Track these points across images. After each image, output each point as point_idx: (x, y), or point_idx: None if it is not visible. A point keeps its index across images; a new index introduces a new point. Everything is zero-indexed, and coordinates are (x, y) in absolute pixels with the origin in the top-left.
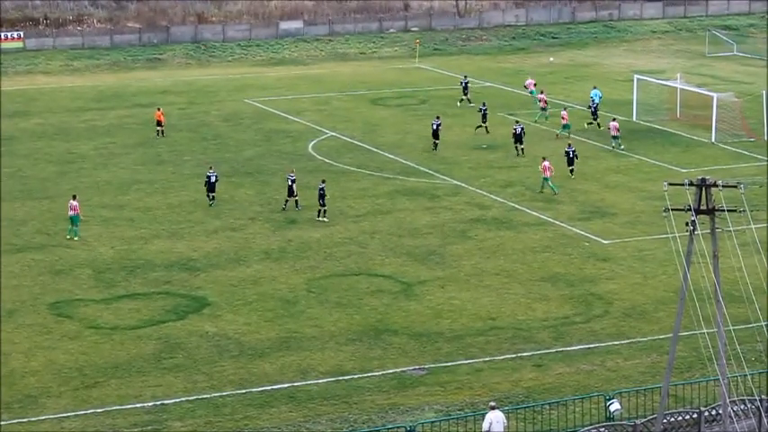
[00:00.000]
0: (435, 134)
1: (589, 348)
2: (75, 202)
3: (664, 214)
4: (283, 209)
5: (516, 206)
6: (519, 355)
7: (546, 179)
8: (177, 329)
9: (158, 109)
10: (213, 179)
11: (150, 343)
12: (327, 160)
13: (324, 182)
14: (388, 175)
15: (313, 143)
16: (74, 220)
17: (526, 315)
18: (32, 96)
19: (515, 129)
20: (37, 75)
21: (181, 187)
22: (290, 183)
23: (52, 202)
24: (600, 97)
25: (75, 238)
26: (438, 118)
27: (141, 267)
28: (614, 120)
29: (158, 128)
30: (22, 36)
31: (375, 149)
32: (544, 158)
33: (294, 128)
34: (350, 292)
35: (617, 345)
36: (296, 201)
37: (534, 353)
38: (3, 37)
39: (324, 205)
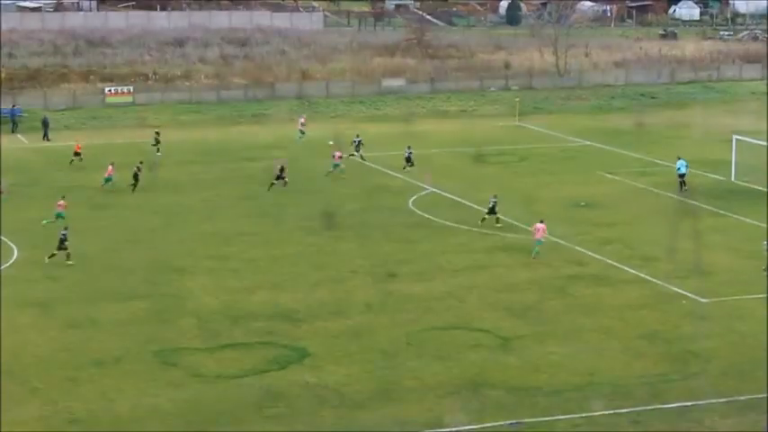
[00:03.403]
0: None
1: (686, 406)
2: (62, 202)
3: (764, 273)
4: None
5: (614, 263)
6: (617, 411)
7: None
8: (279, 379)
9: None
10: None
11: (252, 392)
12: (427, 215)
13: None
14: (487, 231)
15: (413, 198)
16: (59, 215)
17: (624, 371)
18: (141, 149)
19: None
20: (146, 128)
21: (284, 240)
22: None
23: (159, 253)
24: (686, 167)
25: (44, 222)
26: (409, 147)
27: (244, 317)
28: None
29: (75, 157)
30: (131, 90)
31: (475, 206)
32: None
33: (395, 183)
34: (448, 345)
35: (714, 403)
36: (285, 182)
37: (632, 409)
38: (113, 91)
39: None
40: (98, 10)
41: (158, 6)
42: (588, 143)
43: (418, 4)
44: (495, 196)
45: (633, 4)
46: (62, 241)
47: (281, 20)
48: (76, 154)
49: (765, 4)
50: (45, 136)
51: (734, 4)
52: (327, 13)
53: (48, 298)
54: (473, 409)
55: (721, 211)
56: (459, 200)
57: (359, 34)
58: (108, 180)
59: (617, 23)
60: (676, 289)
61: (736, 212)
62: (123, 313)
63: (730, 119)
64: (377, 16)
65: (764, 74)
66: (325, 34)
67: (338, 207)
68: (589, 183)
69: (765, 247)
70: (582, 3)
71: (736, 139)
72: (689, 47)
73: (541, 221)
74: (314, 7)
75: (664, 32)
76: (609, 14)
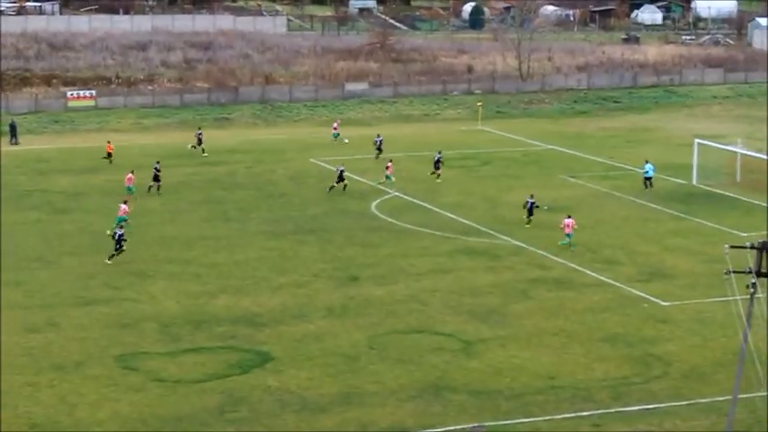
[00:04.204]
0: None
1: (648, 409)
2: (125, 206)
3: (725, 277)
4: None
5: (576, 267)
6: (578, 414)
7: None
8: (241, 383)
9: (108, 143)
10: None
11: (214, 396)
12: (390, 219)
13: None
14: (450, 235)
15: (376, 203)
16: (121, 220)
17: (585, 375)
18: (103, 153)
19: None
20: (108, 132)
21: (246, 244)
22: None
23: (120, 257)
24: (654, 170)
25: (108, 232)
26: (440, 152)
27: (206, 322)
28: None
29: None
30: (94, 95)
31: (437, 209)
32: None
33: (358, 187)
34: (411, 349)
35: (676, 406)
36: (344, 185)
37: (593, 412)
38: (76, 95)
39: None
40: (61, 14)
41: (121, 10)
42: (551, 147)
43: (381, 8)
44: (531, 196)
45: (596, 9)
46: (119, 241)
47: (244, 24)
48: (108, 155)
49: (726, 9)
50: (12, 139)
51: (696, 8)
52: (291, 17)
53: (8, 302)
54: (435, 413)
55: (683, 215)
56: (422, 204)
57: (322, 38)
58: (130, 189)
59: (580, 28)
60: (638, 292)
61: (697, 216)
62: (84, 318)
63: (692, 123)
64: (340, 20)
65: (725, 78)
66: (289, 38)
67: (301, 211)
68: (552, 186)
69: (726, 250)
70: (545, 7)
71: (698, 143)
72: (651, 51)
73: (569, 216)
74: (277, 11)
75: (626, 37)
76: (572, 19)
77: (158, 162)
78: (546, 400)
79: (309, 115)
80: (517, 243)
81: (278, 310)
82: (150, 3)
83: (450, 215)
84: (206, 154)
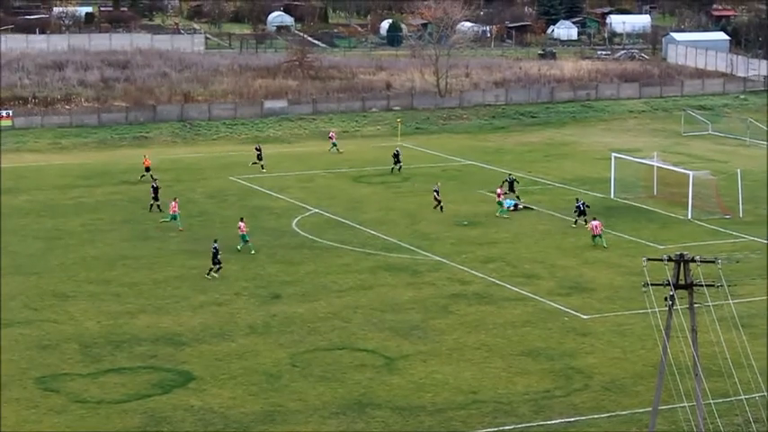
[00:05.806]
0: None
1: (569, 422)
2: (242, 224)
3: (643, 289)
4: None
5: (497, 281)
6: (500, 428)
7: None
8: (162, 403)
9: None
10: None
11: (136, 417)
12: (311, 236)
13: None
14: (371, 251)
15: (297, 220)
16: (243, 238)
17: (507, 389)
18: (21, 174)
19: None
20: (25, 153)
21: (167, 263)
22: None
23: (39, 278)
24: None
25: (252, 252)
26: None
27: (127, 342)
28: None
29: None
30: (10, 114)
31: (358, 226)
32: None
33: (278, 205)
34: (333, 366)
35: (597, 418)
36: (441, 206)
37: (515, 426)
38: None
39: None
40: None
41: (37, 29)
42: (469, 162)
43: (299, 25)
44: (577, 199)
45: (512, 25)
46: (215, 255)
47: (161, 42)
48: (147, 169)
49: (641, 24)
50: None
51: (611, 23)
52: (209, 36)
53: None
54: (358, 430)
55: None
56: (343, 220)
57: (240, 56)
58: (174, 217)
59: (497, 44)
60: (558, 306)
61: (615, 229)
62: (3, 340)
63: (609, 137)
64: (258, 38)
65: (641, 93)
66: (207, 56)
67: (221, 229)
68: (471, 201)
69: (644, 263)
70: (462, 23)
71: (615, 157)
72: (567, 66)
73: (594, 218)
74: (195, 29)
75: (543, 52)
76: (489, 35)
77: (155, 180)
78: (468, 414)
79: (228, 133)
80: (437, 258)
81: (199, 328)
82: (66, 22)
83: (371, 231)
84: (264, 170)
